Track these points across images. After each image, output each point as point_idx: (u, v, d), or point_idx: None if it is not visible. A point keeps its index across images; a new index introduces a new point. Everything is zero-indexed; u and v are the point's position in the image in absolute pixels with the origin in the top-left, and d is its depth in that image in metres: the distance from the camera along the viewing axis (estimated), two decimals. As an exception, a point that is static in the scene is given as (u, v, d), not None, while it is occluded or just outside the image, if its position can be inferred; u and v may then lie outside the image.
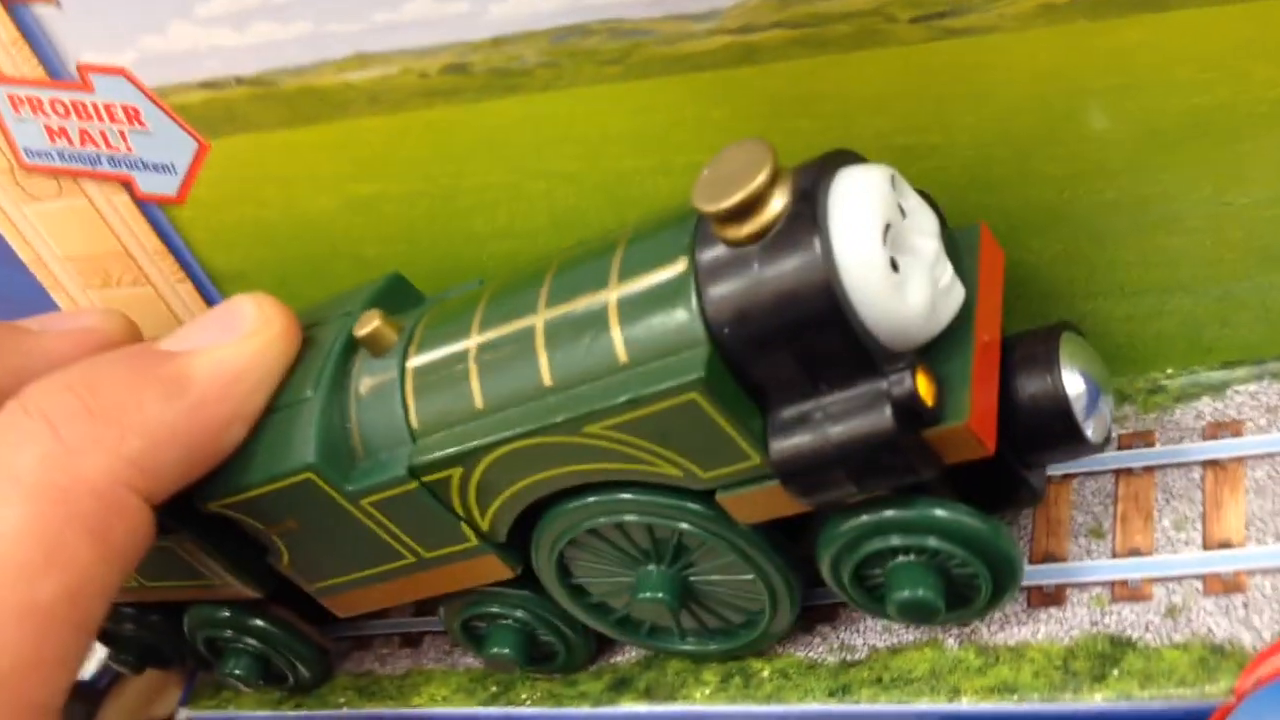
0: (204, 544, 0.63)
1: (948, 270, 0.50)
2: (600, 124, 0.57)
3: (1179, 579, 0.54)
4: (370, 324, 0.57)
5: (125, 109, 0.62)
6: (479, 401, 0.54)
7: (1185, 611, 0.54)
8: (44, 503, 0.49)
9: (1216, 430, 0.58)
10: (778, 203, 0.47)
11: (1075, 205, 0.55)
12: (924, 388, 0.48)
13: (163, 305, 0.71)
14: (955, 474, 0.51)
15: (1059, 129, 0.53)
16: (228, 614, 0.70)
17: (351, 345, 0.58)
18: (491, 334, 0.55)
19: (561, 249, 0.57)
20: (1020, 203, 0.56)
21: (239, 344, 0.55)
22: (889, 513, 0.52)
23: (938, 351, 0.50)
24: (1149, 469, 0.58)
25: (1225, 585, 0.53)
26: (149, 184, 0.65)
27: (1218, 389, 0.59)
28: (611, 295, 0.51)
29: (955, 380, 0.49)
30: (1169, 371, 0.60)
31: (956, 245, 0.53)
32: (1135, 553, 0.56)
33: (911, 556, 0.53)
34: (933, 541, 0.52)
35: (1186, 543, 0.55)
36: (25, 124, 0.64)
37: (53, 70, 0.62)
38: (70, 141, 0.64)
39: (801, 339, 0.48)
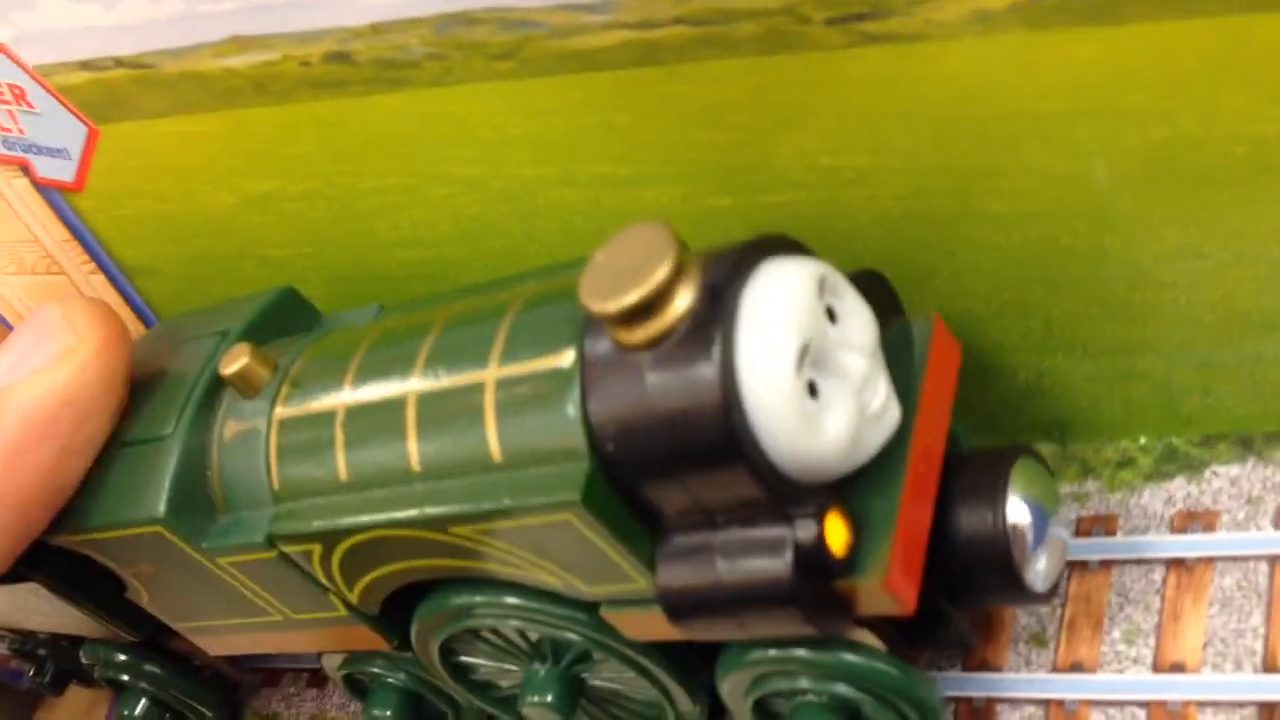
0: (63, 592, 0.59)
1: (880, 393, 0.42)
2: (498, 126, 0.51)
3: (1121, 704, 0.47)
4: (237, 362, 0.51)
5: (11, 88, 0.57)
6: (343, 473, 0.48)
7: (1123, 746, 0.46)
8: None
9: (1187, 521, 0.49)
10: (681, 302, 0.39)
11: (1026, 249, 0.47)
12: (835, 536, 0.41)
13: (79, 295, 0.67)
14: None
15: (1001, 159, 0.45)
16: (121, 655, 0.65)
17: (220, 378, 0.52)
18: (364, 394, 0.48)
19: (458, 292, 0.51)
20: (963, 242, 0.48)
21: (49, 372, 0.49)
22: (796, 652, 0.45)
23: (862, 481, 0.42)
24: (1106, 564, 0.50)
25: (1170, 718, 0.46)
26: (46, 168, 0.60)
27: (1194, 469, 0.50)
28: (490, 376, 0.45)
29: (877, 520, 0.42)
30: (1141, 441, 0.52)
31: (906, 340, 0.45)
32: (1078, 667, 0.48)
33: (818, 698, 0.46)
34: (841, 688, 0.45)
35: (1135, 661, 0.48)
36: (-78, 98, 0.60)
37: (-61, 42, 0.57)
38: (-34, 119, 0.60)
39: (694, 467, 0.40)
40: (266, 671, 0.70)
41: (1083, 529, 0.51)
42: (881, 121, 0.46)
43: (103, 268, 0.65)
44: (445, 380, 0.46)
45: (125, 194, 0.60)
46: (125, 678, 0.66)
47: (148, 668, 0.65)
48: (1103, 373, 0.50)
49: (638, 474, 0.41)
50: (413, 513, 0.45)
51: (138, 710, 0.66)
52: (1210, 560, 0.48)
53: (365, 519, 0.47)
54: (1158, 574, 0.49)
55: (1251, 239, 0.44)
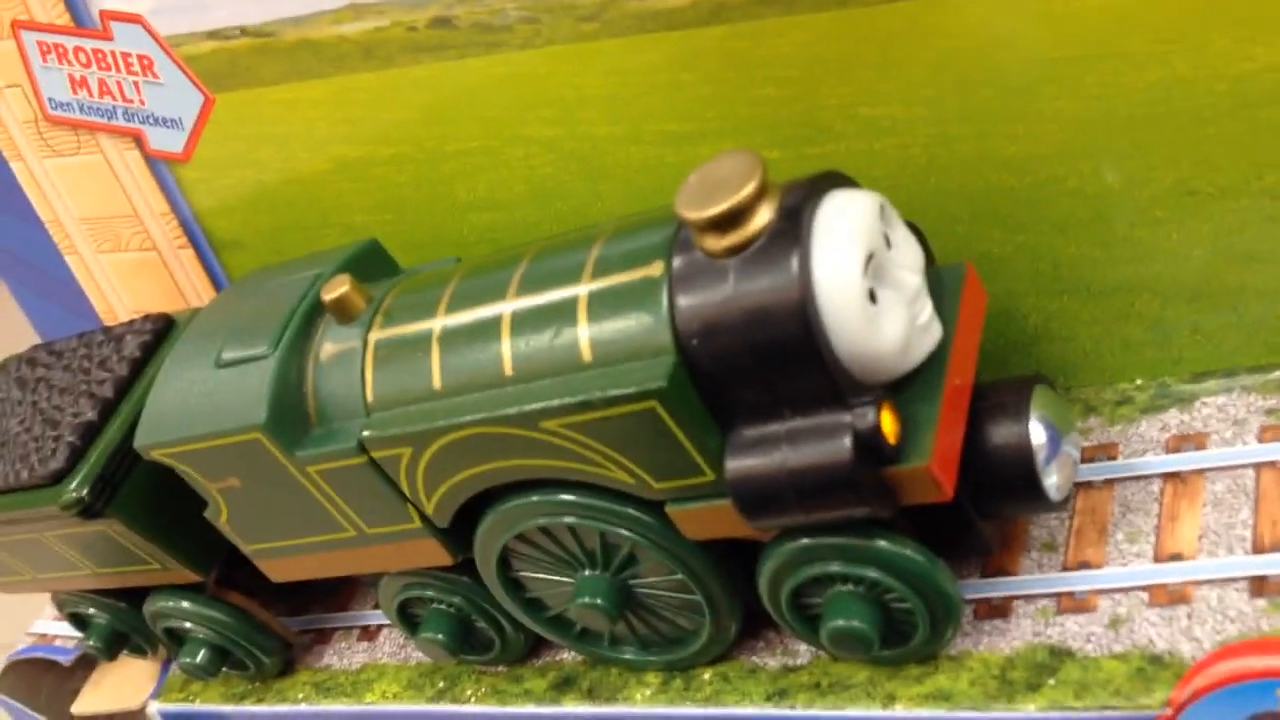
0: (134, 527, 0.64)
1: (927, 308, 0.49)
2: (575, 86, 0.58)
3: (1125, 590, 0.52)
4: (339, 289, 0.57)
5: (141, 59, 0.65)
6: (437, 383, 0.54)
7: (1128, 622, 0.51)
8: None
9: (1179, 443, 0.55)
10: (762, 217, 0.47)
11: (1037, 191, 0.54)
12: (888, 424, 0.47)
13: (166, 272, 0.73)
14: (909, 514, 0.50)
15: (1017, 104, 0.52)
16: (185, 603, 0.70)
17: (318, 307, 0.59)
18: (458, 316, 0.55)
19: (541, 237, 0.57)
20: (982, 187, 0.55)
21: None
22: (831, 539, 0.50)
23: (908, 389, 0.49)
24: (1109, 482, 0.56)
25: (1171, 597, 0.51)
26: (158, 140, 0.67)
27: (1185, 401, 0.57)
28: (582, 290, 0.51)
29: (921, 421, 0.48)
30: (1138, 382, 0.58)
31: (940, 283, 0.52)
32: (1085, 566, 0.54)
33: (850, 586, 0.51)
34: (872, 573, 0.50)
35: (1138, 555, 0.53)
36: (51, 72, 0.67)
37: (78, 17, 0.65)
38: (90, 92, 0.67)
39: (769, 360, 0.47)
40: (317, 632, 0.74)
41: (1087, 456, 0.57)
42: (912, 72, 0.53)
43: (194, 242, 0.71)
44: (539, 298, 0.52)
45: (229, 164, 0.67)
46: (189, 625, 0.70)
47: (213, 613, 0.69)
48: (1104, 314, 0.57)
49: (716, 368, 0.48)
50: (510, 410, 0.51)
51: (199, 658, 0.70)
52: (1202, 471, 0.54)
53: (462, 418, 0.52)
54: (1155, 486, 0.55)
55: (1234, 173, 0.51)
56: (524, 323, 0.52)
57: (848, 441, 0.46)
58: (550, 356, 0.51)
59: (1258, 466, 0.53)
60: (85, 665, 0.83)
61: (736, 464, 0.48)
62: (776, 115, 0.56)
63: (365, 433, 0.55)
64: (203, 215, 0.70)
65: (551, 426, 0.50)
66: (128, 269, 0.74)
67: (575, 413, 0.49)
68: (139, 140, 0.68)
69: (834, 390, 0.47)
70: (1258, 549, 0.50)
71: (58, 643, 0.83)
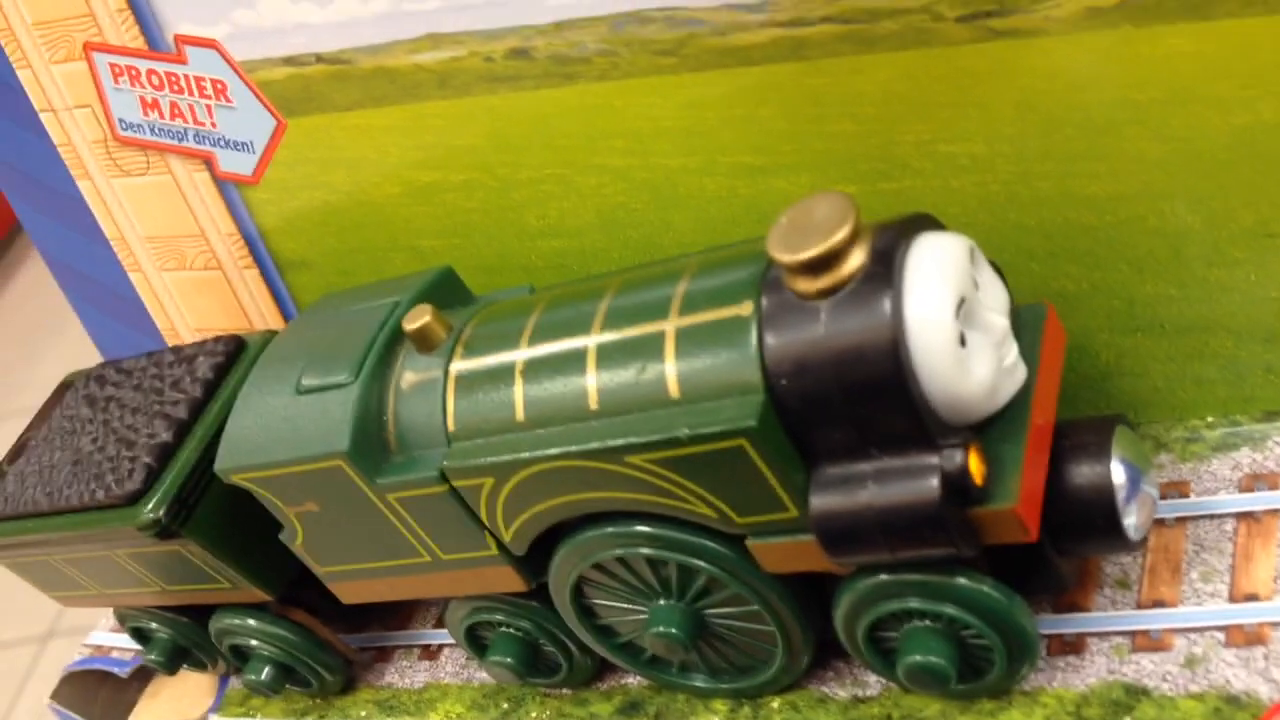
0: (208, 547, 0.64)
1: (1013, 350, 0.50)
2: (653, 119, 0.59)
3: (1201, 630, 0.53)
4: (421, 319, 0.57)
5: (214, 83, 0.65)
6: (520, 414, 0.54)
7: (1205, 662, 0.52)
8: None
9: (1253, 482, 0.56)
10: (855, 260, 0.47)
11: (1116, 230, 0.55)
12: (975, 465, 0.47)
13: (229, 291, 0.74)
14: (986, 549, 0.50)
15: (1100, 144, 0.53)
16: (251, 621, 0.70)
17: (398, 336, 0.59)
18: (541, 348, 0.55)
19: (622, 269, 0.58)
20: (1060, 224, 0.55)
21: None
22: (910, 575, 0.51)
23: (992, 430, 0.49)
24: (1181, 520, 0.56)
25: (1248, 637, 0.52)
26: (228, 162, 0.68)
27: (1258, 440, 0.57)
28: (669, 327, 0.52)
29: (1007, 461, 0.48)
30: (1209, 420, 0.58)
31: (1020, 322, 0.53)
32: (1159, 604, 0.54)
33: (928, 622, 0.52)
34: (950, 609, 0.51)
35: (1212, 595, 0.54)
36: (123, 94, 0.68)
37: (152, 41, 0.65)
38: (161, 114, 0.67)
39: (859, 400, 0.47)
40: (377, 650, 0.75)
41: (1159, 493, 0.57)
42: (996, 111, 0.53)
43: (259, 262, 0.72)
44: (625, 332, 0.53)
45: (299, 186, 0.68)
46: (254, 642, 0.71)
47: (278, 631, 0.70)
48: (1177, 352, 0.57)
49: (804, 407, 0.48)
50: (596, 444, 0.51)
51: (263, 675, 0.71)
52: (1276, 512, 0.54)
53: (547, 450, 0.52)
54: (1229, 525, 0.55)
55: (1314, 216, 0.52)
56: (610, 357, 0.52)
57: (936, 482, 0.47)
58: (637, 391, 0.51)
59: (1334, 508, 0.53)
60: (141, 677, 0.84)
61: (822, 501, 0.49)
62: (852, 150, 0.56)
63: (448, 462, 0.55)
64: (269, 235, 0.71)
65: (637, 461, 0.51)
66: (191, 287, 0.75)
67: (663, 449, 0.50)
68: (209, 162, 0.69)
69: (922, 431, 0.47)
70: (1336, 592, 0.51)
71: (114, 654, 0.84)
